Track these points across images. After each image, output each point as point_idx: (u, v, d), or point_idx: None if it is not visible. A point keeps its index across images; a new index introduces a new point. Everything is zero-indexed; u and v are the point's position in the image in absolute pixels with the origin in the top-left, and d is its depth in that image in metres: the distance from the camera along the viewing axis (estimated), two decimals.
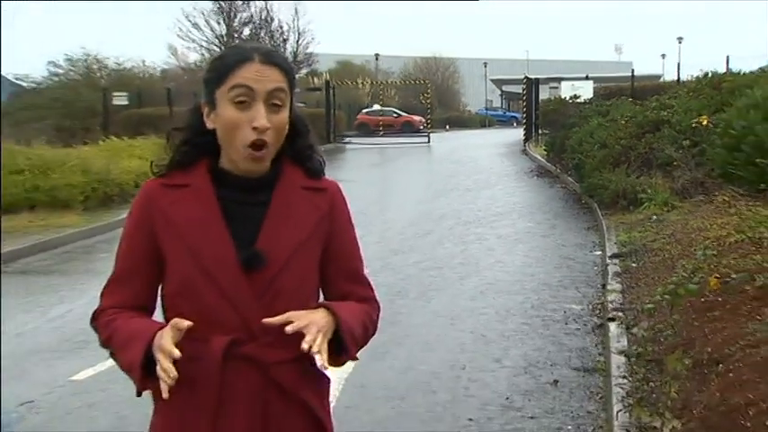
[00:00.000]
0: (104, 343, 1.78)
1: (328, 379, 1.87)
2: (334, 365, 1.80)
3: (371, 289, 1.96)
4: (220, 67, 1.74)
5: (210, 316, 1.70)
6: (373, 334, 1.92)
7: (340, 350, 1.76)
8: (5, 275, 9.12)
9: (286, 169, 1.82)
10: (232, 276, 1.72)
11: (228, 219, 1.75)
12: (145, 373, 1.66)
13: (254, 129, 1.68)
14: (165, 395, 1.59)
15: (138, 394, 1.75)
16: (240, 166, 1.74)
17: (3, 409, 3.39)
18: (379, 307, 1.95)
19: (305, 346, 1.63)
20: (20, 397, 5.07)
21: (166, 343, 1.61)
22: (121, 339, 1.72)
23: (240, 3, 33.43)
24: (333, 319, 1.73)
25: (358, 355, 1.82)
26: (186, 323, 1.63)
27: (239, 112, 1.69)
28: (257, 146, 1.70)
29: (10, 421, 3.46)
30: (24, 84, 28.86)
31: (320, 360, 1.67)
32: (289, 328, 1.65)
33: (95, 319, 1.81)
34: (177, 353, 1.59)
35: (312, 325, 1.66)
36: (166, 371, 1.58)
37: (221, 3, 33.29)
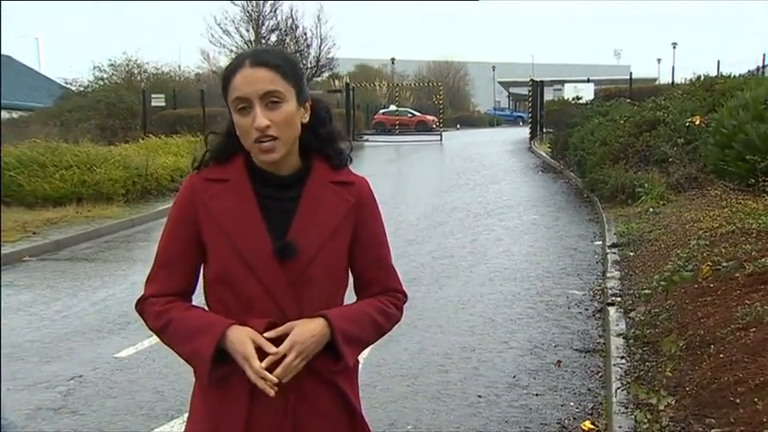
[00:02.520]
0: (158, 330, 1.77)
1: (357, 361, 1.86)
2: (333, 369, 1.77)
3: (397, 278, 1.92)
4: (223, 80, 1.76)
5: (248, 301, 1.71)
6: (392, 326, 1.89)
7: (336, 356, 1.75)
8: (56, 261, 9.24)
9: (315, 165, 1.82)
10: (268, 265, 1.71)
11: (264, 212, 1.75)
12: (213, 366, 1.68)
13: (256, 129, 1.69)
14: (271, 393, 1.64)
15: (207, 382, 1.74)
16: (259, 159, 1.75)
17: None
18: (403, 296, 1.93)
19: (274, 378, 1.64)
20: (69, 372, 5.15)
21: (251, 356, 1.65)
22: (183, 331, 1.73)
23: (269, 5, 33.27)
24: (328, 331, 1.72)
25: (371, 347, 1.80)
26: (274, 349, 1.66)
27: (243, 118, 1.70)
28: (262, 141, 1.70)
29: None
30: (72, 88, 28.96)
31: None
32: (270, 356, 1.66)
33: (141, 304, 1.81)
34: (262, 370, 1.64)
35: (292, 349, 1.66)
36: (266, 379, 1.63)
37: (249, 11, 33.20)
